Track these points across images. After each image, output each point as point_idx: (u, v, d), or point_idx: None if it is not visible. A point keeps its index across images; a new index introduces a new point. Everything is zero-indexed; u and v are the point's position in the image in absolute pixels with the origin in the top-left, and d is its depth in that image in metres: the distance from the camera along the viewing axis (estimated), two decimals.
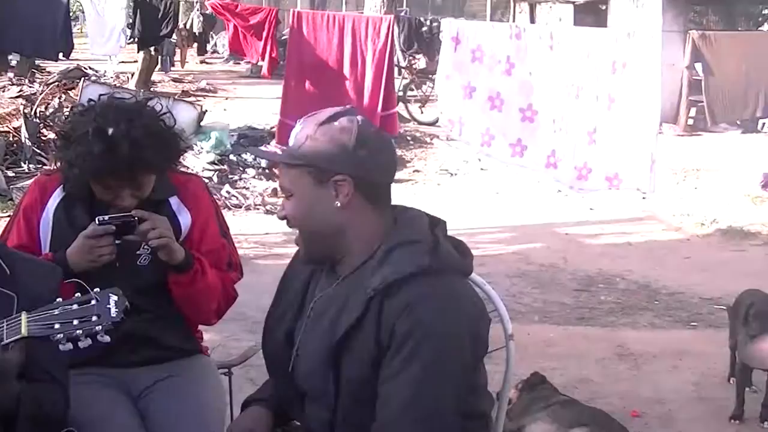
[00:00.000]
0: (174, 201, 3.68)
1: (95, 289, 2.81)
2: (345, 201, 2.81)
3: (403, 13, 22.16)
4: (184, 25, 14.76)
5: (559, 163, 8.17)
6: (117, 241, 3.44)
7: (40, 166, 13.25)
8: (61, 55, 7.93)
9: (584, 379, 6.40)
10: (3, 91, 21.86)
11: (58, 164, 3.67)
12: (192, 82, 24.86)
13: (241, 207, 12.23)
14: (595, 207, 11.93)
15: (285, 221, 2.94)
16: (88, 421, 3.29)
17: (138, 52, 11.38)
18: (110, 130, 3.35)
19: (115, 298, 2.78)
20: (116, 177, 3.44)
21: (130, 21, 11.52)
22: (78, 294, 2.82)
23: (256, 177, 13.57)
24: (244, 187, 13.16)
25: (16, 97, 19.61)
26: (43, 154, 13.63)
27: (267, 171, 13.70)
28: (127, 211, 3.46)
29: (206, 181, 10.05)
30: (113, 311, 2.74)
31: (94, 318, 2.71)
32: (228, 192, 12.68)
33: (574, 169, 8.02)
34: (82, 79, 15.61)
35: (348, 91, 8.84)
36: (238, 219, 11.13)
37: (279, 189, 2.97)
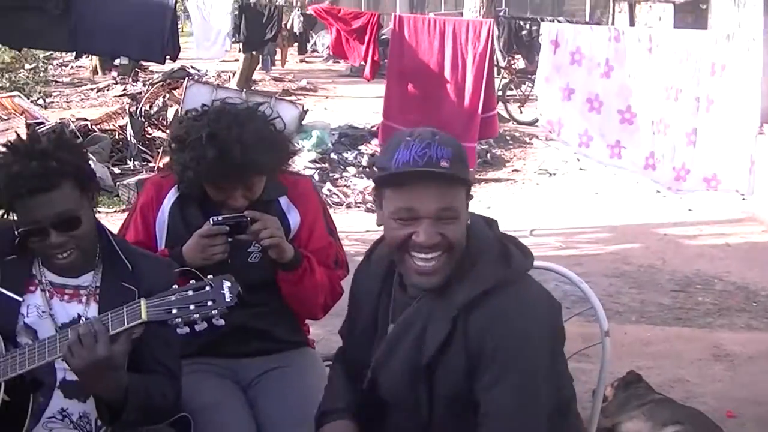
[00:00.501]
0: (283, 201, 3.85)
1: (208, 276, 2.99)
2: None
3: (501, 13, 22.18)
4: (285, 24, 14.98)
5: (657, 165, 8.17)
6: (229, 239, 3.61)
7: (145, 163, 13.61)
8: (168, 58, 8.18)
9: (680, 379, 6.39)
10: (107, 90, 22.45)
11: (172, 165, 3.85)
12: (292, 81, 25.11)
13: (341, 205, 12.41)
14: (694, 208, 11.86)
15: (431, 248, 2.78)
16: (201, 407, 3.48)
17: (249, 54, 11.62)
18: (223, 136, 3.54)
19: (228, 283, 2.96)
20: (229, 180, 3.62)
21: (235, 25, 11.72)
22: (192, 281, 2.99)
23: (357, 175, 13.74)
24: (344, 185, 13.34)
25: (120, 95, 20.14)
26: (147, 151, 13.98)
27: (367, 169, 13.87)
28: (239, 211, 3.64)
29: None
30: (227, 296, 2.92)
31: (210, 303, 2.90)
32: (329, 190, 12.87)
33: (672, 170, 8.02)
34: (186, 78, 15.94)
35: (449, 93, 8.93)
36: (339, 217, 11.23)
37: (433, 212, 2.74)
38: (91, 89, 23.28)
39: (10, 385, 3.02)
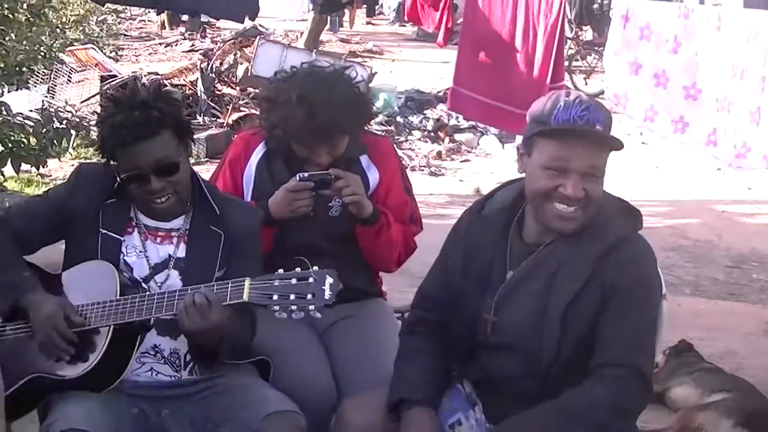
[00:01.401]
0: (364, 159, 4.07)
1: (314, 267, 3.18)
2: None
3: None
4: None
5: (719, 141, 8.23)
6: (313, 194, 3.84)
7: (214, 119, 13.88)
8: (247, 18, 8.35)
9: (730, 351, 6.51)
10: (175, 45, 22.74)
11: (261, 122, 4.10)
12: (359, 43, 25.16)
13: (407, 168, 12.54)
14: (753, 187, 11.90)
15: (577, 201, 3.04)
16: (278, 349, 3.71)
17: (318, 15, 11.77)
18: (312, 98, 3.76)
19: (331, 280, 3.10)
20: (316, 139, 3.86)
21: None
22: (297, 269, 3.20)
23: (422, 139, 13.93)
24: (409, 149, 13.53)
25: (188, 51, 20.41)
26: (216, 107, 14.23)
27: (432, 134, 14.07)
28: (323, 168, 3.88)
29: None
30: (327, 293, 3.09)
31: (309, 296, 3.09)
32: None
33: (733, 148, 8.08)
34: (258, 37, 16.15)
35: (519, 62, 8.97)
36: None
37: (583, 169, 3.02)
38: (159, 44, 23.58)
39: (131, 328, 3.29)
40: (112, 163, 3.45)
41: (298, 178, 3.82)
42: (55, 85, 13.76)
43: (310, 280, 3.10)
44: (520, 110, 9.46)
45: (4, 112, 9.13)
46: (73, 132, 11.64)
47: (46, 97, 13.11)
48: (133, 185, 3.38)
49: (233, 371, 3.49)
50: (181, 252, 3.47)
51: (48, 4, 10.86)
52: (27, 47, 9.35)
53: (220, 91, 14.92)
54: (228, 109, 13.94)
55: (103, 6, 12.77)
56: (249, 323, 3.52)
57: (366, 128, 4.18)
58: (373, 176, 4.06)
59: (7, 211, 3.85)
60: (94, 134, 11.33)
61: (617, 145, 3.07)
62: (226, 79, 15.32)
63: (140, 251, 3.46)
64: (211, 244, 3.46)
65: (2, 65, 9.23)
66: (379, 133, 13.47)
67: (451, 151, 13.51)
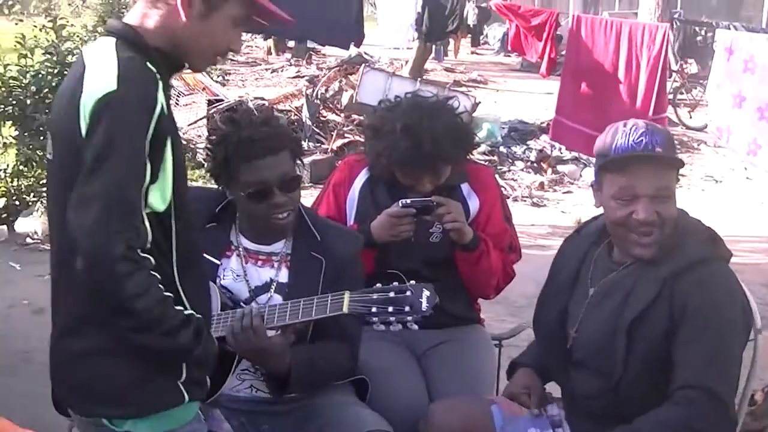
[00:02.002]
0: (465, 187, 4.14)
1: (410, 282, 3.25)
2: None
3: (677, 15, 21.98)
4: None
5: None
6: (414, 219, 3.91)
7: (319, 144, 13.99)
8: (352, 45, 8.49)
9: None
10: (281, 71, 23.00)
11: (366, 150, 4.19)
12: (463, 72, 25.15)
13: (508, 198, 12.55)
14: None
15: (650, 225, 3.12)
16: (377, 370, 3.78)
17: (423, 43, 11.90)
18: (416, 128, 3.85)
19: (428, 293, 3.17)
20: (419, 168, 3.95)
21: (419, 16, 12.01)
22: (395, 283, 3.27)
23: (524, 170, 13.87)
24: (512, 179, 13.49)
25: (294, 77, 20.63)
26: (321, 133, 14.35)
27: (535, 164, 14.03)
28: (425, 195, 3.95)
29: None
30: (424, 305, 3.15)
31: (407, 308, 3.14)
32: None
33: None
34: (363, 65, 16.30)
35: (621, 93, 9.06)
36: None
37: (651, 192, 3.11)
38: (266, 69, 23.82)
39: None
40: (218, 187, 3.56)
41: (400, 204, 3.89)
42: None
43: (408, 293, 3.16)
44: None
45: None
46: None
47: None
48: (255, 200, 3.47)
49: (331, 390, 3.58)
50: (284, 277, 3.55)
51: None
52: None
53: (324, 117, 15.04)
54: (332, 136, 14.04)
55: None
56: (343, 354, 3.58)
57: (468, 157, 4.24)
58: (474, 204, 4.12)
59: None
60: (200, 156, 11.59)
61: (678, 163, 3.16)
62: (330, 105, 15.46)
63: (238, 275, 3.55)
64: (313, 269, 3.53)
65: None
66: (482, 162, 13.52)
67: (554, 183, 13.45)
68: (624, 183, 3.12)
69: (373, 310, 3.16)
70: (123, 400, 2.62)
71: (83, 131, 2.47)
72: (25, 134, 9.08)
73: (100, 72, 2.51)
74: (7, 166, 9.23)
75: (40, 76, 9.09)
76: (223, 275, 3.56)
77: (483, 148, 14.11)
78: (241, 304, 3.48)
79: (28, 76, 9.16)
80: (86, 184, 2.44)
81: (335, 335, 3.52)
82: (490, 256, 4.02)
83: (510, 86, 23.51)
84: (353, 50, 15.84)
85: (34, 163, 9.17)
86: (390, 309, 3.14)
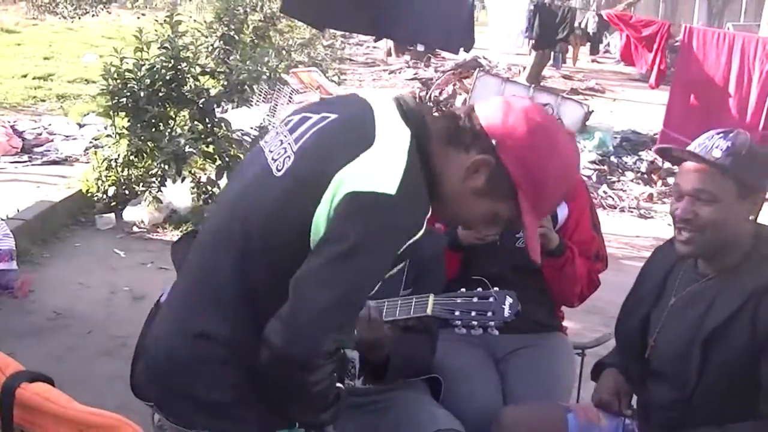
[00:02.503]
0: None
1: (494, 288, 3.27)
2: (755, 216, 3.19)
3: None
4: (579, 24, 15.11)
5: None
6: None
7: None
8: (462, 49, 8.52)
9: None
10: (399, 73, 23.13)
11: None
12: (581, 80, 25.03)
13: (615, 208, 12.46)
14: None
15: (685, 222, 3.12)
16: (454, 370, 3.81)
17: (533, 51, 11.85)
18: None
19: (511, 300, 3.20)
20: None
21: (530, 23, 11.99)
22: (479, 288, 3.29)
23: (634, 181, 13.74)
24: (621, 189, 13.38)
25: (411, 79, 20.74)
26: None
27: (645, 176, 13.88)
28: None
29: (584, 179, 10.36)
30: (506, 312, 3.18)
31: (489, 314, 3.17)
32: (604, 192, 12.94)
33: None
34: (477, 69, 16.31)
35: (731, 107, 8.95)
36: (611, 219, 11.42)
37: (689, 191, 3.09)
38: (384, 70, 24.02)
39: None
40: None
41: None
42: (276, 105, 14.19)
43: (491, 299, 3.19)
44: None
45: (224, 128, 9.53)
46: None
47: (268, 115, 13.54)
48: None
49: (405, 386, 3.62)
50: None
51: (273, 28, 11.26)
52: (250, 67, 9.68)
53: None
54: None
55: (322, 32, 13.15)
56: (426, 346, 3.63)
57: None
58: (562, 212, 4.13)
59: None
60: None
61: (723, 170, 3.04)
62: (444, 108, 15.50)
63: None
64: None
65: (225, 83, 9.60)
66: (591, 170, 13.42)
67: (663, 195, 13.28)
68: (676, 179, 3.19)
69: (456, 314, 3.19)
70: (231, 415, 2.48)
71: (330, 206, 2.31)
72: (137, 125, 9.26)
73: (383, 164, 2.34)
74: (119, 156, 9.39)
75: (155, 69, 9.26)
76: None
77: (593, 156, 14.03)
78: None
79: (143, 69, 9.34)
80: (330, 266, 2.28)
81: (417, 328, 3.55)
82: (575, 263, 4.02)
83: (627, 96, 23.32)
84: (470, 54, 15.89)
85: (145, 154, 9.36)
86: (473, 314, 3.17)
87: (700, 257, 3.23)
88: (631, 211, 12.40)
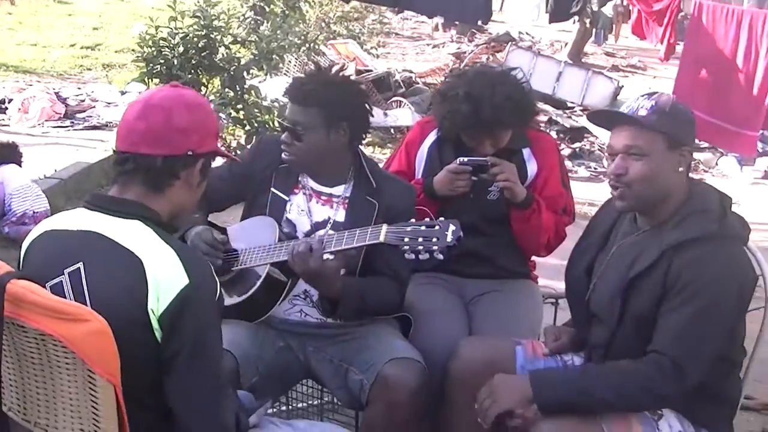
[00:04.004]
0: (526, 152, 4.46)
1: (440, 219, 3.57)
2: (684, 169, 3.45)
3: None
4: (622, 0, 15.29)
5: None
6: (474, 178, 4.25)
7: None
8: (480, 22, 8.75)
9: None
10: (442, 47, 23.35)
11: (434, 113, 4.56)
12: (624, 57, 25.05)
13: None
14: None
15: (618, 177, 3.40)
16: (424, 310, 4.16)
17: (549, 24, 11.99)
18: (477, 95, 4.20)
19: (453, 228, 3.48)
20: (478, 131, 4.30)
21: None
22: (427, 219, 3.61)
23: None
24: None
25: (454, 53, 20.99)
26: None
27: None
28: (484, 156, 4.29)
29: (600, 149, 10.53)
30: (449, 237, 3.45)
31: (434, 239, 3.45)
32: None
33: None
34: (509, 43, 16.56)
35: (739, 81, 9.10)
36: None
37: (621, 149, 3.37)
38: (428, 44, 24.23)
39: (281, 269, 3.78)
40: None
41: (458, 162, 4.24)
42: None
43: (437, 227, 3.47)
44: (736, 128, 9.59)
45: (254, 95, 9.94)
46: None
47: None
48: (280, 131, 3.99)
49: (375, 322, 3.97)
50: (340, 216, 3.95)
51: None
52: (280, 36, 10.04)
53: None
54: None
55: (348, 4, 13.44)
56: (394, 289, 3.96)
57: (532, 125, 4.58)
58: (532, 168, 4.44)
59: None
60: None
61: (650, 126, 3.31)
62: None
63: (302, 210, 3.98)
64: (367, 211, 3.91)
65: (255, 52, 9.98)
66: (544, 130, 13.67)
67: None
68: (610, 140, 3.44)
69: (406, 240, 3.47)
70: None
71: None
72: None
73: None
74: None
75: (188, 38, 9.66)
76: (289, 209, 3.99)
77: None
78: (302, 236, 3.90)
79: (176, 37, 9.74)
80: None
81: (386, 273, 3.90)
82: (541, 215, 4.31)
83: (669, 73, 23.21)
84: (508, 27, 16.17)
85: None
86: (420, 240, 3.45)
87: (636, 211, 3.51)
88: None
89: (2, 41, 18.90)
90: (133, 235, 2.70)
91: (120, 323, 2.55)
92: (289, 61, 14.42)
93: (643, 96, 3.41)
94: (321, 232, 3.87)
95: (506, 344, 3.84)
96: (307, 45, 12.57)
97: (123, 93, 13.60)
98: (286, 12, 11.16)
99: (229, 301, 3.75)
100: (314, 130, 3.86)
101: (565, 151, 13.05)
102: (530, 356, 3.78)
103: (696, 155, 13.98)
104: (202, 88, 9.96)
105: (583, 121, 14.65)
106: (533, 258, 4.69)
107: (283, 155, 3.94)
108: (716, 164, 13.83)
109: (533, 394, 3.35)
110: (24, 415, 2.70)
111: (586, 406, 3.34)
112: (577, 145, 13.96)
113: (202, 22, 9.70)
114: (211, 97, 9.80)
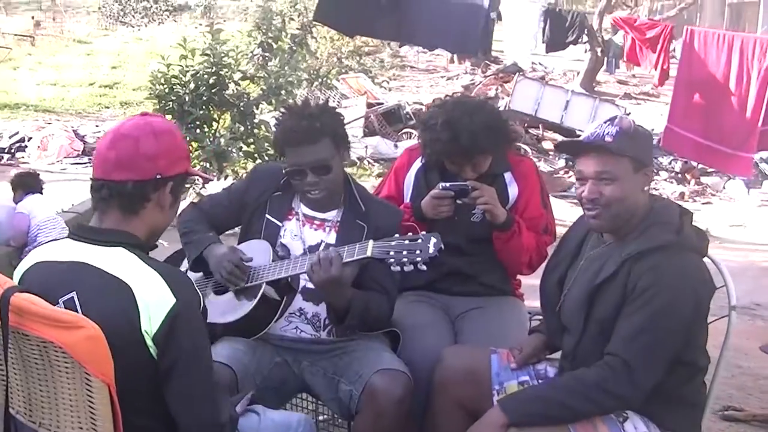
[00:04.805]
0: (507, 176, 4.69)
1: (422, 233, 3.83)
2: (647, 188, 3.68)
3: None
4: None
5: None
6: (459, 201, 4.49)
7: None
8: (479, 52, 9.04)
9: None
10: (456, 79, 23.65)
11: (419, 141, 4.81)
12: (636, 85, 25.30)
13: None
14: None
15: (592, 202, 3.59)
16: (413, 325, 4.37)
17: (546, 53, 12.28)
18: (455, 123, 4.43)
19: (435, 240, 3.75)
20: (458, 157, 4.54)
21: (540, 27, 12.44)
22: (410, 233, 3.87)
23: (668, 180, 14.16)
24: (653, 188, 13.77)
25: (468, 84, 21.27)
26: None
27: (679, 175, 14.29)
28: (466, 180, 4.52)
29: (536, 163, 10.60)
30: (431, 249, 3.72)
31: (418, 252, 3.72)
32: None
33: None
34: (517, 73, 16.82)
35: (732, 104, 9.25)
36: None
37: (591, 174, 3.58)
38: (442, 77, 24.57)
39: (276, 288, 4.06)
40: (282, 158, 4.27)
41: (440, 187, 4.48)
42: None
43: (419, 240, 3.74)
44: (731, 150, 9.78)
45: (264, 129, 10.21)
46: None
47: None
48: (292, 177, 4.18)
49: (365, 338, 4.21)
50: (332, 239, 4.21)
51: (310, 35, 11.91)
52: (288, 72, 10.32)
53: None
54: None
55: (351, 38, 13.71)
56: (383, 303, 4.19)
57: (512, 149, 4.83)
58: (513, 191, 4.67)
59: (200, 200, 4.72)
60: (354, 155, 12.36)
61: (618, 152, 3.52)
62: None
63: (296, 235, 4.23)
64: (356, 233, 4.16)
65: (264, 87, 10.26)
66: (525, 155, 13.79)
67: (695, 193, 13.69)
68: (578, 166, 3.64)
69: (391, 253, 3.73)
70: None
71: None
72: (183, 127, 9.95)
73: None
74: None
75: (198, 74, 9.96)
76: (284, 234, 4.25)
77: None
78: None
79: (187, 75, 10.04)
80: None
81: (375, 289, 4.15)
82: (521, 236, 4.53)
83: None
84: (509, 59, 16.39)
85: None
86: (404, 253, 3.72)
87: (607, 230, 3.72)
88: None
89: (23, 81, 19.30)
90: (119, 262, 2.94)
91: (117, 343, 2.78)
92: (300, 96, 14.78)
93: (605, 122, 3.62)
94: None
95: (483, 353, 4.07)
96: (320, 80, 12.83)
97: None
98: (294, 48, 11.47)
99: (230, 317, 4.05)
100: (333, 159, 4.14)
101: (573, 178, 13.25)
102: (504, 364, 4.01)
103: (703, 179, 14.20)
104: (213, 123, 10.25)
105: None
106: (519, 277, 4.91)
107: (310, 196, 4.18)
108: (723, 188, 14.01)
109: (506, 417, 3.55)
110: (30, 416, 2.96)
111: (555, 416, 3.54)
112: None
113: (212, 60, 9.99)
114: (222, 132, 10.09)
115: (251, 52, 11.45)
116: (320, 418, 4.87)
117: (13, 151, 13.45)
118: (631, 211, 3.61)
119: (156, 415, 2.98)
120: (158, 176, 3.05)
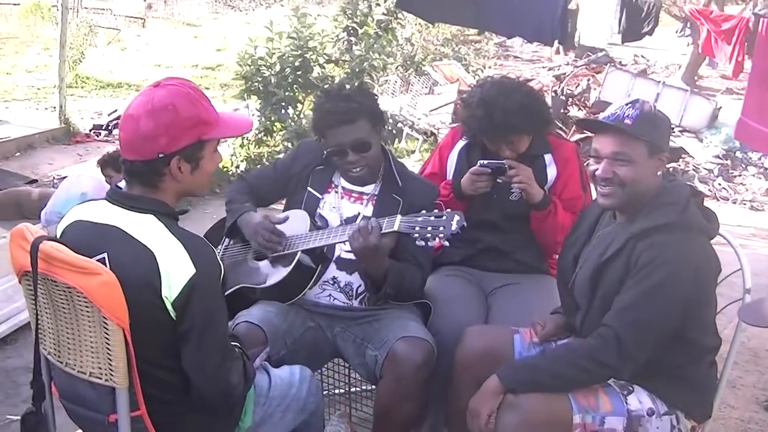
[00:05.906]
0: (547, 157, 4.84)
1: (447, 210, 4.01)
2: (660, 173, 3.79)
3: None
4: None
5: None
6: (498, 180, 4.66)
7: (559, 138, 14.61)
8: (556, 42, 9.08)
9: None
10: (557, 69, 23.58)
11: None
12: (740, 80, 24.98)
13: (728, 200, 12.88)
14: None
15: (606, 181, 3.68)
16: (446, 298, 4.55)
17: (622, 43, 12.25)
18: (491, 102, 4.60)
19: (458, 218, 3.90)
20: (493, 136, 4.71)
21: (617, 17, 12.42)
22: (436, 210, 4.04)
23: (756, 176, 14.03)
24: (741, 183, 13.69)
25: (555, 75, 21.21)
26: (563, 128, 14.94)
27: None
28: (509, 159, 4.69)
29: (695, 169, 10.67)
30: (454, 226, 3.88)
31: (441, 228, 3.89)
32: (719, 184, 13.33)
33: None
34: (608, 65, 16.79)
35: None
36: (719, 209, 11.69)
37: (608, 154, 3.67)
38: (543, 67, 24.52)
39: (312, 257, 4.28)
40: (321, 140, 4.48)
41: (479, 164, 4.65)
42: (418, 95, 15.02)
43: (443, 217, 3.91)
44: None
45: None
46: (420, 136, 12.82)
47: (409, 105, 14.36)
48: (334, 157, 4.39)
49: (396, 307, 4.40)
50: (368, 211, 4.41)
51: (396, 21, 12.09)
52: (372, 56, 10.52)
53: (568, 112, 15.64)
54: (572, 129, 14.60)
55: (432, 25, 13.80)
56: (417, 275, 4.38)
57: (552, 131, 4.99)
58: (552, 172, 4.82)
59: (247, 173, 4.95)
60: (440, 139, 12.54)
61: (636, 135, 3.63)
62: (578, 101, 16.04)
63: (334, 207, 4.44)
64: (392, 207, 4.35)
65: (348, 70, 10.49)
66: (715, 164, 13.68)
67: None
68: (595, 144, 3.75)
69: (416, 228, 3.92)
70: None
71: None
72: (267, 107, 10.22)
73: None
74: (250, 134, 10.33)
75: (284, 57, 10.21)
76: (323, 206, 4.46)
77: (717, 151, 14.36)
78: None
79: (273, 57, 10.30)
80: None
81: (411, 262, 4.34)
82: (557, 216, 4.68)
83: None
84: (618, 49, 16.27)
85: (272, 134, 10.31)
86: (429, 228, 3.90)
87: (617, 209, 3.83)
88: (744, 204, 12.69)
89: (129, 62, 19.81)
90: (147, 229, 3.11)
91: (139, 305, 3.01)
92: (395, 82, 14.97)
93: (627, 104, 3.70)
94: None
95: (506, 332, 4.21)
96: (414, 66, 13.00)
97: (235, 110, 14.23)
98: (380, 33, 11.66)
99: (267, 282, 4.27)
100: (371, 136, 4.34)
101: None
102: (526, 343, 4.15)
103: None
104: (298, 104, 10.48)
105: (680, 142, 14.82)
106: (556, 256, 4.99)
107: (352, 174, 4.39)
108: None
109: (501, 384, 3.71)
110: (58, 357, 3.23)
111: (544, 382, 3.68)
112: (671, 165, 14.09)
113: (298, 43, 10.23)
114: (307, 113, 10.32)
115: (336, 36, 11.68)
116: (352, 390, 5.11)
117: (110, 128, 13.87)
118: (642, 192, 3.71)
119: (173, 369, 3.20)
120: (160, 155, 3.14)
